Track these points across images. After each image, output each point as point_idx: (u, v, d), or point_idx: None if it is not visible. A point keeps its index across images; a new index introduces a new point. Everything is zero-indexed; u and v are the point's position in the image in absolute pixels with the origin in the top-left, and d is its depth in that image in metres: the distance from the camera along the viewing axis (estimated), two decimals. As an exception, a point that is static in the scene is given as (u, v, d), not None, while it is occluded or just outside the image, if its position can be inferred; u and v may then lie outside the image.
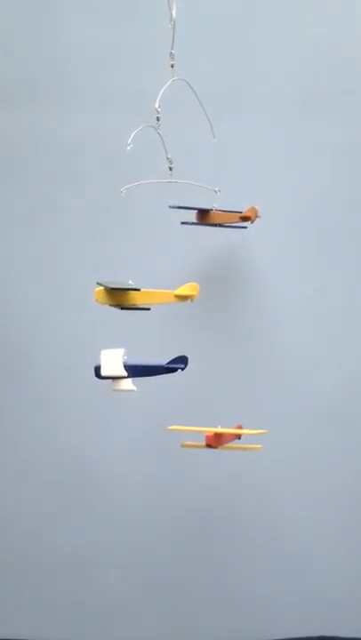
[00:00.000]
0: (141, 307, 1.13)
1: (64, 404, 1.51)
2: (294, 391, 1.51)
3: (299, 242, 1.49)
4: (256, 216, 1.33)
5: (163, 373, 1.13)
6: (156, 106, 1.08)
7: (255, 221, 1.34)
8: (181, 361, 1.12)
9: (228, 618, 1.54)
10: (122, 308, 1.12)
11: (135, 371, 1.12)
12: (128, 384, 1.10)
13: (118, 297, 1.11)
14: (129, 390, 1.10)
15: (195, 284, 1.18)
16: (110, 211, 1.46)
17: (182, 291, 1.17)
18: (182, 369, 1.13)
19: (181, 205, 1.23)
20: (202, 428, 1.19)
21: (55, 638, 1.55)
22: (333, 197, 1.48)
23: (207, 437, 1.18)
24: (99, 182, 1.47)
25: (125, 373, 1.09)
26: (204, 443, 1.19)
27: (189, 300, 1.18)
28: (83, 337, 1.47)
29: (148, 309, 1.14)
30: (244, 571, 1.54)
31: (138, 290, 1.11)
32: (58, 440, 1.52)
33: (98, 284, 1.11)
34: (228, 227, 1.33)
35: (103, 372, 1.09)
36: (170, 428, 1.20)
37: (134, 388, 1.10)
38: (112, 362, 1.10)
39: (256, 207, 1.32)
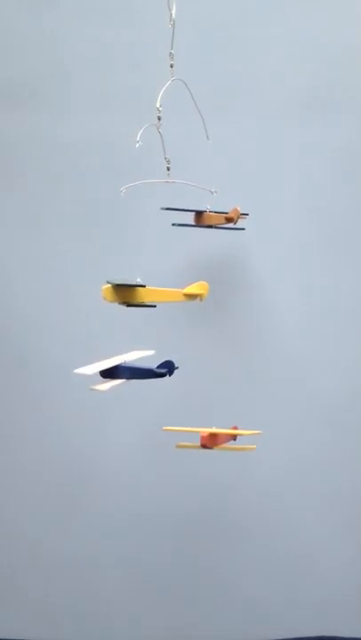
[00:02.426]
0: (148, 304, 1.13)
1: (63, 405, 1.51)
2: (294, 391, 1.51)
3: (298, 243, 1.49)
4: (238, 216, 1.32)
5: (151, 377, 1.12)
6: (158, 105, 1.08)
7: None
8: (166, 366, 1.11)
9: (228, 618, 1.54)
10: (128, 305, 1.12)
11: (126, 373, 1.12)
12: (100, 385, 1.07)
13: (126, 294, 1.10)
14: (98, 390, 1.06)
15: (204, 282, 1.17)
16: (110, 211, 1.46)
17: (191, 289, 1.17)
18: (169, 374, 1.12)
19: (174, 207, 1.23)
20: (197, 428, 1.19)
21: (55, 638, 1.55)
22: (333, 198, 1.48)
23: (202, 438, 1.18)
24: (98, 182, 1.47)
25: (89, 373, 1.05)
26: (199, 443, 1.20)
27: (198, 299, 1.17)
28: (82, 337, 1.47)
29: (154, 306, 1.14)
30: (245, 571, 1.54)
31: (143, 286, 1.11)
32: (57, 440, 1.52)
33: (108, 282, 1.11)
34: (224, 228, 1.33)
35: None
36: (165, 428, 1.20)
37: (103, 389, 1.06)
38: (103, 363, 1.10)
39: (238, 208, 1.32)
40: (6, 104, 1.48)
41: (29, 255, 1.51)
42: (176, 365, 1.11)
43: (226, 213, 1.31)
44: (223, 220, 1.31)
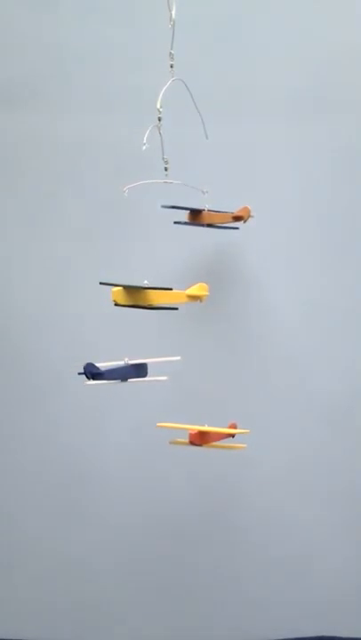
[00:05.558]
0: (169, 306, 1.14)
1: (63, 404, 1.51)
2: (293, 391, 1.51)
3: (297, 243, 1.49)
4: (249, 216, 1.32)
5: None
6: (158, 106, 1.08)
7: (249, 221, 1.33)
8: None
9: (228, 618, 1.54)
10: (150, 308, 1.12)
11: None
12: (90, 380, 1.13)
13: (135, 297, 1.11)
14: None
15: (204, 284, 1.21)
16: (109, 211, 1.46)
17: (193, 291, 1.20)
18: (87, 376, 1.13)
19: (174, 205, 1.24)
20: (190, 425, 1.20)
21: (55, 638, 1.55)
22: (332, 199, 1.48)
23: (190, 435, 1.19)
24: (99, 182, 1.47)
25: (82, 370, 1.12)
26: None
27: (199, 301, 1.19)
28: (82, 337, 1.47)
29: (176, 309, 1.14)
30: (244, 570, 1.54)
31: (170, 289, 1.12)
32: (56, 440, 1.52)
33: (101, 283, 1.11)
34: (220, 227, 1.33)
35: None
36: (159, 424, 1.20)
37: (88, 383, 1.12)
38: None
39: (248, 207, 1.32)
40: (6, 104, 1.48)
41: (29, 255, 1.51)
42: (83, 371, 1.12)
43: (226, 212, 1.31)
44: (230, 219, 1.32)
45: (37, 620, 1.55)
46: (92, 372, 1.11)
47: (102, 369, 1.13)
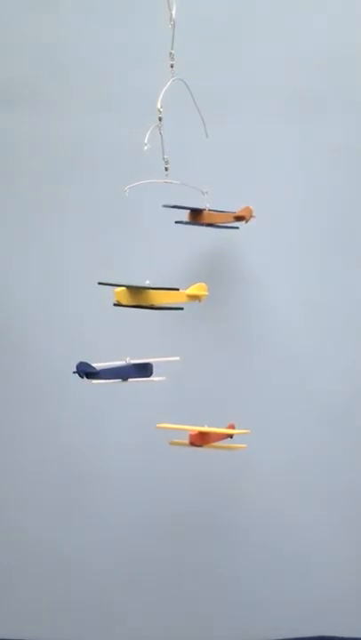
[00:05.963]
0: (173, 306, 1.14)
1: (63, 404, 1.52)
2: (293, 391, 1.51)
3: (297, 243, 1.49)
4: (251, 216, 1.33)
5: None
6: (158, 106, 1.08)
7: (250, 221, 1.34)
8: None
9: (228, 618, 1.54)
10: (153, 309, 1.13)
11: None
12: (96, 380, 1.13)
13: (137, 297, 1.11)
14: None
15: (203, 284, 1.22)
16: (109, 211, 1.46)
17: (193, 291, 1.21)
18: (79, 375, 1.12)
19: (175, 205, 1.24)
20: (190, 426, 1.20)
21: (55, 638, 1.55)
22: (332, 198, 1.48)
23: (191, 436, 1.19)
24: (99, 182, 1.47)
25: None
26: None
27: (198, 300, 1.21)
28: (82, 337, 1.47)
29: (182, 309, 1.15)
30: (244, 570, 1.54)
31: (177, 289, 1.13)
32: (57, 440, 1.52)
33: (100, 283, 1.11)
34: (220, 227, 1.33)
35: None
36: (159, 425, 1.21)
37: (94, 381, 1.12)
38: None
39: (250, 207, 1.32)
40: (6, 104, 1.48)
41: (29, 255, 1.51)
42: (75, 370, 1.10)
43: (227, 212, 1.31)
44: (232, 219, 1.32)
45: (37, 620, 1.55)
46: (85, 372, 1.10)
47: (98, 368, 1.12)
